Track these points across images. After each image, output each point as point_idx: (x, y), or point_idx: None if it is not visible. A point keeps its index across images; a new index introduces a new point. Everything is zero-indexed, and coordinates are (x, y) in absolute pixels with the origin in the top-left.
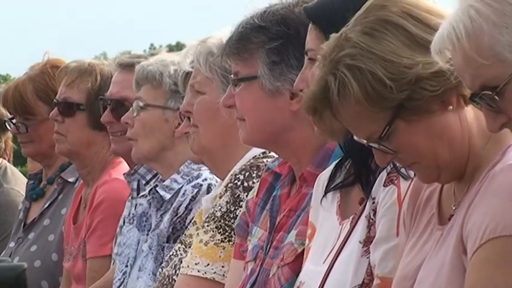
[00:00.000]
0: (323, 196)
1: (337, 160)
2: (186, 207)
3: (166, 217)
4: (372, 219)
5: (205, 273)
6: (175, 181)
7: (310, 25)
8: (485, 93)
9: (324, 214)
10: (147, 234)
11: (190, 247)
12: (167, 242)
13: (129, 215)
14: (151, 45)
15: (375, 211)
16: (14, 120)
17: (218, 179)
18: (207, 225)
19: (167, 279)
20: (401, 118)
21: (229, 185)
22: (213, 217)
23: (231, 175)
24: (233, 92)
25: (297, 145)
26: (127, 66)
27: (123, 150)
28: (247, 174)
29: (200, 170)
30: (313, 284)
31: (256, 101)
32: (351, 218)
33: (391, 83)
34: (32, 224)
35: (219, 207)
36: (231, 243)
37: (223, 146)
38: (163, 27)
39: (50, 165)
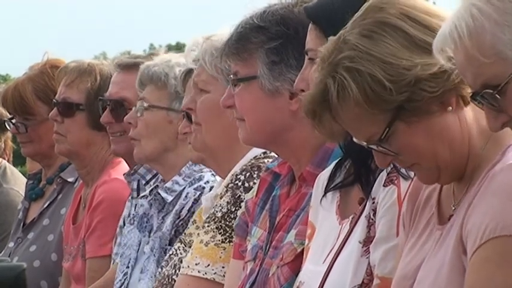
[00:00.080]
0: (323, 196)
1: (337, 160)
2: (189, 210)
3: (169, 220)
4: (372, 219)
5: (205, 273)
6: (177, 183)
7: (310, 25)
8: (486, 91)
9: (323, 214)
10: (149, 236)
11: (189, 246)
12: (169, 245)
13: (129, 215)
14: (151, 45)
15: (374, 211)
16: (13, 120)
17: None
18: (208, 226)
19: (167, 279)
20: (401, 120)
21: (230, 185)
22: (213, 217)
23: (232, 175)
24: (232, 92)
25: (296, 145)
26: (126, 67)
27: (123, 150)
28: (248, 174)
29: (202, 172)
30: (313, 284)
31: (256, 101)
32: (350, 217)
33: (391, 85)
34: (31, 224)
35: (220, 208)
36: (231, 243)
37: (226, 145)
38: (163, 27)
39: (49, 165)
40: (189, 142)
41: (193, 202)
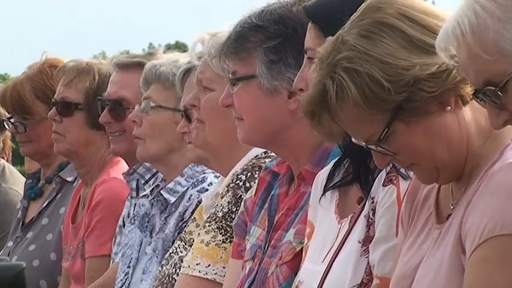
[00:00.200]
0: (322, 195)
1: (336, 159)
2: (192, 213)
3: (172, 222)
4: (371, 219)
5: (206, 273)
6: (179, 184)
7: (310, 24)
8: (489, 89)
9: (322, 213)
10: (150, 236)
11: (190, 245)
12: None
13: (128, 215)
14: (150, 44)
15: (374, 211)
16: (12, 120)
17: None
18: (209, 226)
19: (167, 278)
20: (399, 120)
21: (231, 185)
22: (214, 217)
23: (233, 175)
24: (231, 91)
25: (295, 144)
26: (124, 66)
27: (122, 150)
28: (249, 174)
29: (204, 174)
30: (312, 283)
31: (254, 100)
32: (349, 217)
33: (389, 85)
34: (30, 223)
35: (221, 208)
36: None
37: (228, 145)
38: (163, 27)
39: (48, 165)
40: (188, 142)
41: (196, 204)
